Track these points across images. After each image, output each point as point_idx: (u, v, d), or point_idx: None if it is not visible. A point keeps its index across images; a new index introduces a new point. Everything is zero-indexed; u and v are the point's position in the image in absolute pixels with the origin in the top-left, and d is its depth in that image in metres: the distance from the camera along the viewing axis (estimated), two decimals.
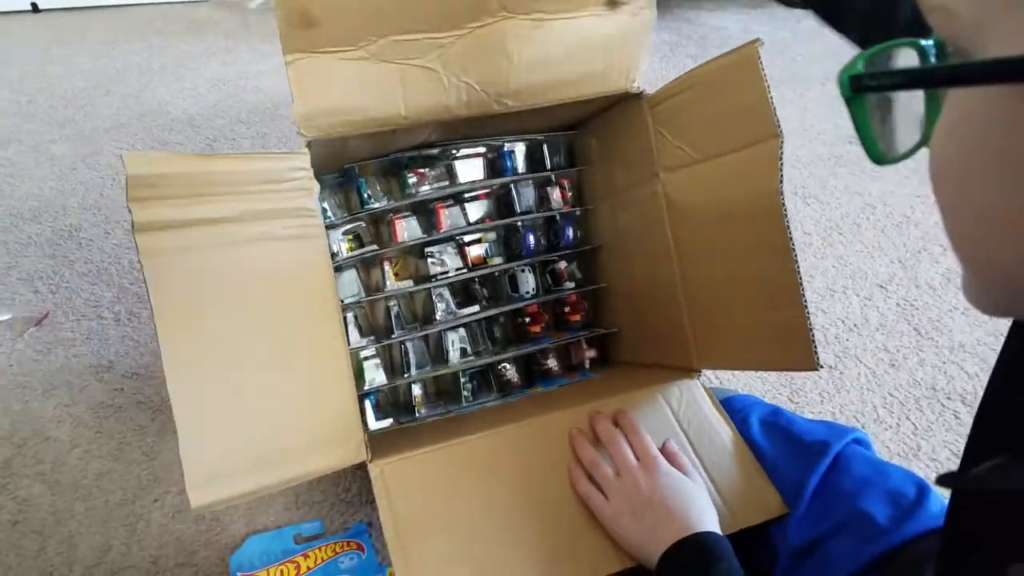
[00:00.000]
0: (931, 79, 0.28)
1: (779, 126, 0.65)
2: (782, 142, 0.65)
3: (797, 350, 0.66)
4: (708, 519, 0.64)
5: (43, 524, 0.84)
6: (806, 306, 0.65)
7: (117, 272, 1.20)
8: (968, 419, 0.95)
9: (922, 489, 0.66)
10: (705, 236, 0.74)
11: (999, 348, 0.49)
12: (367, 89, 0.65)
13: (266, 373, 0.61)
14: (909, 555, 0.62)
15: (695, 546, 0.61)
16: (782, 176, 0.65)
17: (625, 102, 0.79)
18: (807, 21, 2.25)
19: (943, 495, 0.66)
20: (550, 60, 0.71)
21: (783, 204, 0.65)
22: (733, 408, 0.78)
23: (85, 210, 1.35)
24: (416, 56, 0.65)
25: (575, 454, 0.70)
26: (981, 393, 1.03)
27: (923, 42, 0.28)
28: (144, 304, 1.14)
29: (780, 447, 0.73)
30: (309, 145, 0.65)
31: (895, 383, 1.01)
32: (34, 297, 1.15)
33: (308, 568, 0.78)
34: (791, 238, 0.65)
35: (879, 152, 0.30)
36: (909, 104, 0.28)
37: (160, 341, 0.56)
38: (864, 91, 0.28)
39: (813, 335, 0.65)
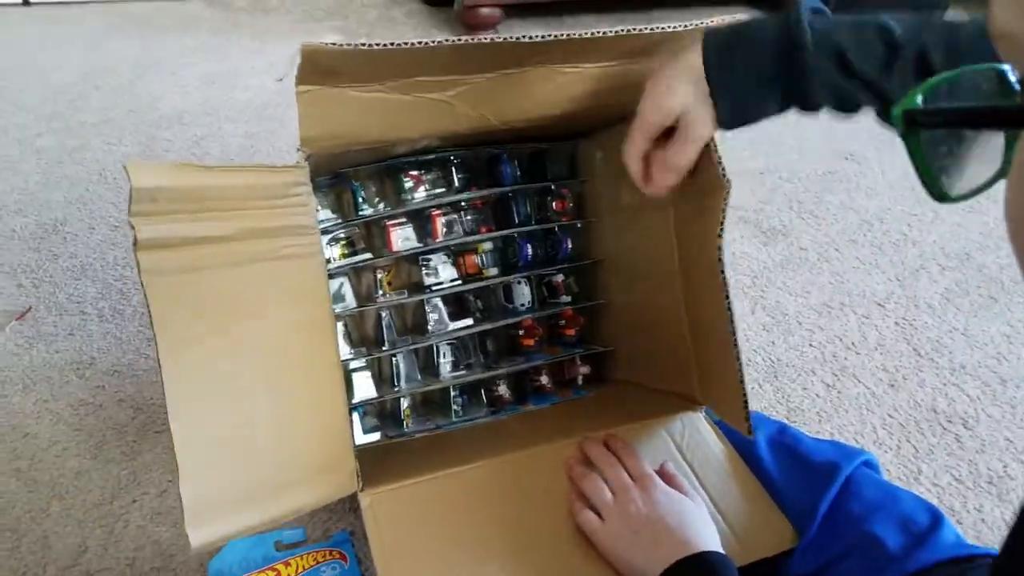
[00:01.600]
0: (989, 120, 0.25)
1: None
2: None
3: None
4: (710, 537, 0.62)
5: (18, 522, 0.81)
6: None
7: (102, 268, 1.18)
8: (970, 443, 0.94)
9: (936, 517, 0.64)
10: (712, 284, 0.70)
11: (1000, 370, 0.48)
12: (374, 116, 0.63)
13: (263, 402, 0.60)
14: None
15: (698, 566, 0.59)
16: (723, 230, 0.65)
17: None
18: None
19: (957, 525, 0.65)
20: (573, 98, 0.69)
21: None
22: None
23: (70, 204, 1.33)
24: (436, 91, 0.62)
25: (573, 484, 0.68)
26: (983, 416, 1.01)
27: (1003, 67, 0.25)
28: (128, 301, 1.11)
29: (788, 469, 0.72)
30: (308, 159, 0.63)
31: (894, 404, 1.00)
32: (17, 291, 1.13)
33: None
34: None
35: (941, 190, 0.27)
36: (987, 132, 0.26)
37: (162, 367, 0.54)
38: (918, 128, 0.25)
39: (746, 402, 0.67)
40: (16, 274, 1.16)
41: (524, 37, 0.56)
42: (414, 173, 0.81)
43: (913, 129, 0.25)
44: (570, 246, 0.88)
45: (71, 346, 1.03)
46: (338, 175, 0.80)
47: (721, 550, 0.61)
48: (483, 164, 0.84)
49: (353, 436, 0.78)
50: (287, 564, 0.76)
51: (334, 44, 0.52)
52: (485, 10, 1.95)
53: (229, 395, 0.58)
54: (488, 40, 0.55)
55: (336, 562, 0.78)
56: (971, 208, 1.44)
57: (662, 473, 0.68)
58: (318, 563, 0.77)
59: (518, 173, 0.85)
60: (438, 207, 0.82)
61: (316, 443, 0.63)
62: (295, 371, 0.62)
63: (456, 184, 0.83)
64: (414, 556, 0.63)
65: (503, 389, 0.86)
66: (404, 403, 0.83)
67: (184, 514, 0.54)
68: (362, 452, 0.77)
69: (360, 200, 0.80)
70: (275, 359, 0.60)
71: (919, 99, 0.26)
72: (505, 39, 0.56)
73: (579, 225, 0.89)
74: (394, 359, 0.82)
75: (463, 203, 0.84)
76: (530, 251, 0.86)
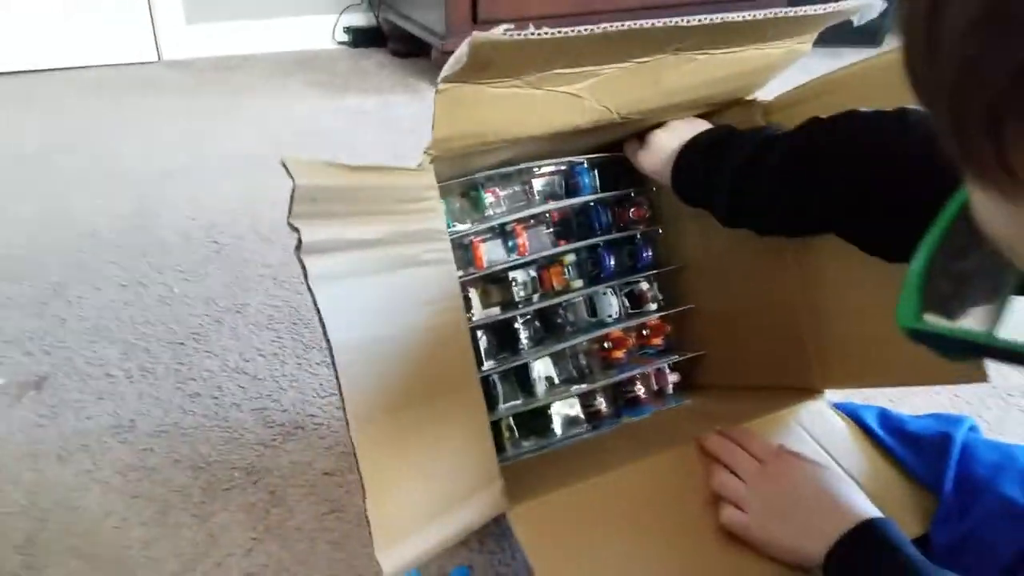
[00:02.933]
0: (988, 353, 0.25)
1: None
2: None
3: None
4: (860, 499, 0.61)
5: None
6: None
7: (118, 328, 1.10)
8: None
9: None
10: (840, 263, 0.71)
11: None
12: (506, 112, 0.61)
13: (426, 418, 0.56)
14: None
15: (868, 536, 0.58)
16: None
17: (730, 109, 0.77)
18: None
19: None
20: (692, 86, 0.68)
21: None
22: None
23: (67, 267, 1.24)
24: (566, 84, 0.61)
25: (711, 483, 0.67)
26: None
27: None
28: (156, 359, 1.03)
29: (906, 448, 0.72)
30: (433, 162, 0.60)
31: None
32: (27, 360, 1.04)
33: None
34: None
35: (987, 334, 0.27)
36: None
37: (341, 383, 0.50)
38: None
39: None
40: (22, 342, 1.07)
41: (672, 21, 0.56)
42: (493, 189, 0.79)
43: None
44: (650, 253, 0.87)
45: (103, 410, 0.95)
46: None
47: (878, 511, 0.60)
48: (560, 176, 0.83)
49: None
50: None
51: (503, 34, 0.51)
52: None
53: (401, 411, 0.54)
54: (639, 26, 0.55)
55: None
56: None
57: (783, 450, 0.67)
58: None
59: (596, 183, 0.84)
60: (520, 221, 0.80)
61: (471, 459, 0.59)
62: (446, 383, 0.58)
63: (535, 198, 0.81)
64: (569, 560, 0.60)
65: (600, 402, 0.83)
66: (503, 425, 0.79)
67: (373, 540, 0.49)
68: None
69: (450, 218, 0.77)
70: (431, 370, 0.57)
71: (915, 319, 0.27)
72: (653, 24, 0.55)
73: (660, 231, 0.88)
74: (492, 379, 0.78)
75: (545, 215, 0.82)
76: (612, 261, 0.84)
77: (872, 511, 0.60)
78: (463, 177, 0.77)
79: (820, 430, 0.71)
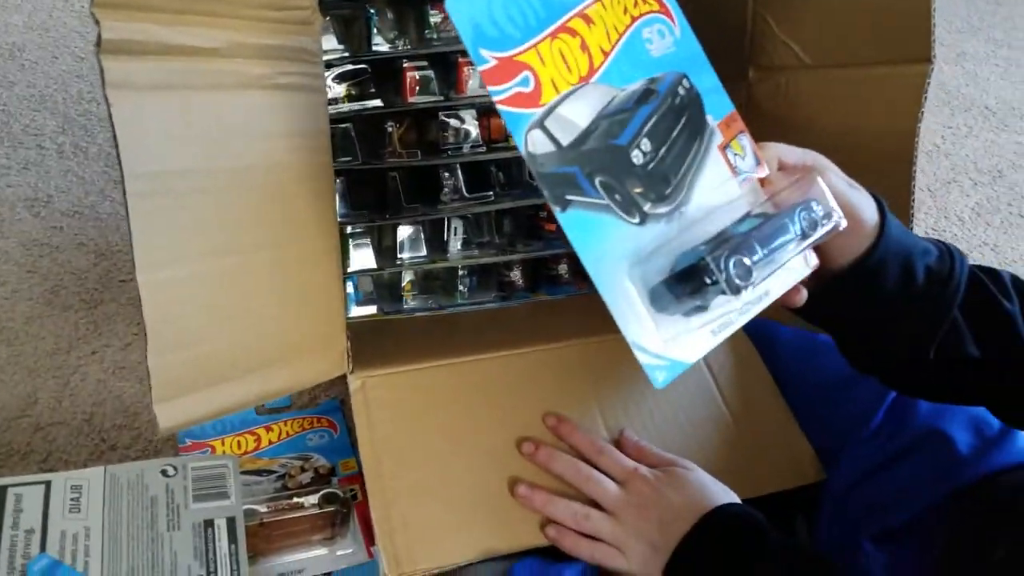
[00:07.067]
0: None
1: (933, 50, 0.54)
2: (931, 70, 0.54)
3: None
4: (722, 493, 0.54)
5: None
6: None
7: (63, 101, 1.04)
8: None
9: None
10: None
11: None
12: None
13: (248, 262, 0.50)
14: (993, 490, 0.53)
15: (718, 521, 0.51)
16: (922, 114, 0.55)
17: None
18: None
19: None
20: None
21: (916, 150, 0.55)
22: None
23: (31, 30, 1.17)
24: None
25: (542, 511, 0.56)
26: None
27: None
28: (92, 138, 0.99)
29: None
30: None
31: None
32: None
33: (271, 442, 0.68)
34: (913, 193, 0.56)
35: None
36: None
37: (129, 209, 0.43)
38: None
39: None
40: None
41: None
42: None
43: None
44: None
45: (25, 181, 0.91)
46: None
47: (725, 499, 0.53)
48: None
49: (346, 309, 0.70)
50: (269, 429, 0.69)
51: None
52: None
53: (208, 249, 0.48)
54: None
55: (324, 430, 0.71)
56: (1005, 126, 1.36)
57: (621, 444, 0.60)
58: (304, 430, 0.70)
59: None
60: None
61: (305, 316, 0.54)
62: (286, 228, 0.52)
63: None
64: (402, 450, 0.56)
65: (516, 275, 0.76)
66: (406, 277, 0.74)
67: (152, 389, 0.45)
68: (354, 326, 0.68)
69: (374, 31, 0.68)
70: (265, 211, 0.50)
71: None
72: None
73: None
74: (398, 229, 0.72)
75: None
76: None
77: (716, 500, 0.53)
78: None
79: (720, 357, 0.65)
